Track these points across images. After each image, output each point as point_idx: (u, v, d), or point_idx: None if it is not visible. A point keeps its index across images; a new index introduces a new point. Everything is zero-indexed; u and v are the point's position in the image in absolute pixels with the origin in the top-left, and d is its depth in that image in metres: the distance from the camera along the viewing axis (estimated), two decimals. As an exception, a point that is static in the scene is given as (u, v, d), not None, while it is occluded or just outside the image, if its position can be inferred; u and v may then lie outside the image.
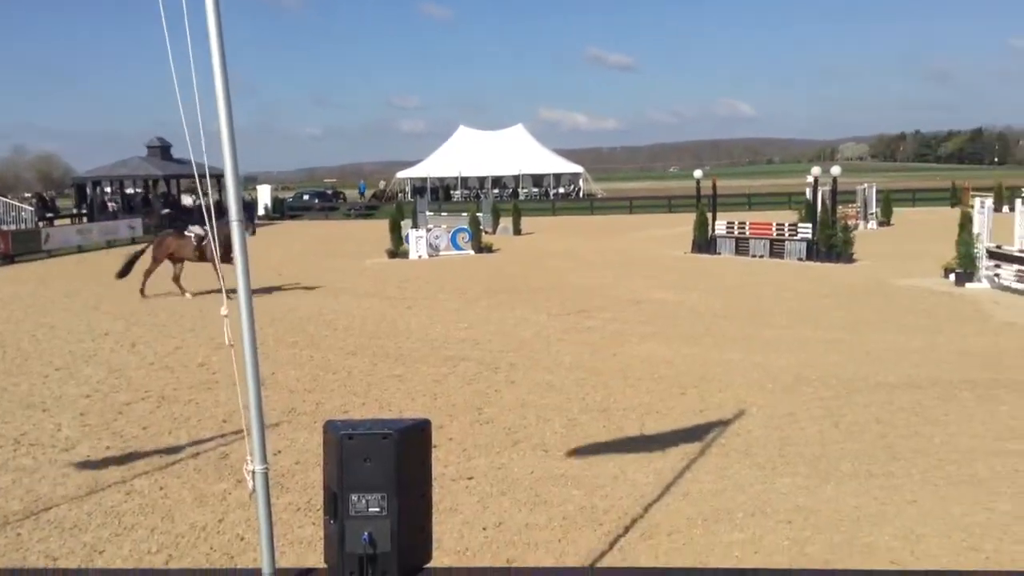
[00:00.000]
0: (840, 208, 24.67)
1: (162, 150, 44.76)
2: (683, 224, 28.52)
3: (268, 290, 18.29)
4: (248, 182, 58.43)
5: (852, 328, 12.90)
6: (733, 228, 25.68)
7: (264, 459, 3.45)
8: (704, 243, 25.74)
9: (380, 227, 31.39)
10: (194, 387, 9.81)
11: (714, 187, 26.18)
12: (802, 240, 23.35)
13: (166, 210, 36.24)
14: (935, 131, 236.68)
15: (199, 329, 13.69)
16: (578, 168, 75.64)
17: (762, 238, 24.55)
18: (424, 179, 73.67)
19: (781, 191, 55.91)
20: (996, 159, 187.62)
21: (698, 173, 27.48)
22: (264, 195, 56.17)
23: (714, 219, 26.03)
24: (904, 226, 34.46)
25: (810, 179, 24.61)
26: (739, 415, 8.21)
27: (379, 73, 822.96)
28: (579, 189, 73.71)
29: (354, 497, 2.88)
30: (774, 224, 24.80)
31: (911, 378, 9.61)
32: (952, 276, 17.52)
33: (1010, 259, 16.29)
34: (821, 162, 48.27)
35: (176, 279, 17.91)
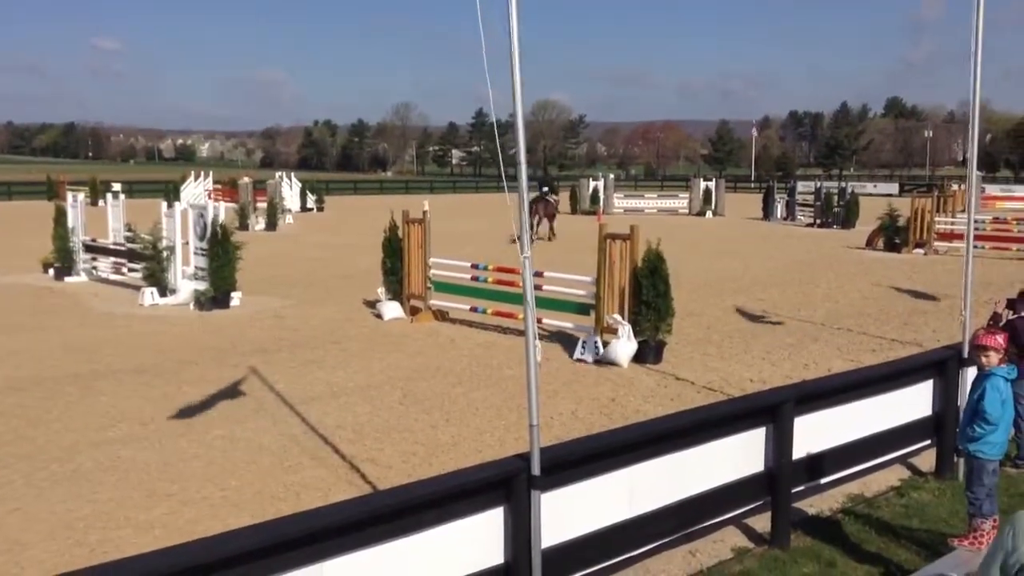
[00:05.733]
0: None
1: None
2: None
3: None
4: None
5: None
6: None
7: None
8: None
9: None
10: None
11: None
12: None
13: None
14: (28, 123, 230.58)
15: None
16: None
17: None
18: None
19: None
20: (91, 153, 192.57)
21: None
22: None
23: None
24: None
25: None
26: None
27: None
28: None
29: None
30: None
31: (14, 380, 9.25)
32: (51, 271, 17.39)
33: (106, 252, 16.91)
34: None
35: None
